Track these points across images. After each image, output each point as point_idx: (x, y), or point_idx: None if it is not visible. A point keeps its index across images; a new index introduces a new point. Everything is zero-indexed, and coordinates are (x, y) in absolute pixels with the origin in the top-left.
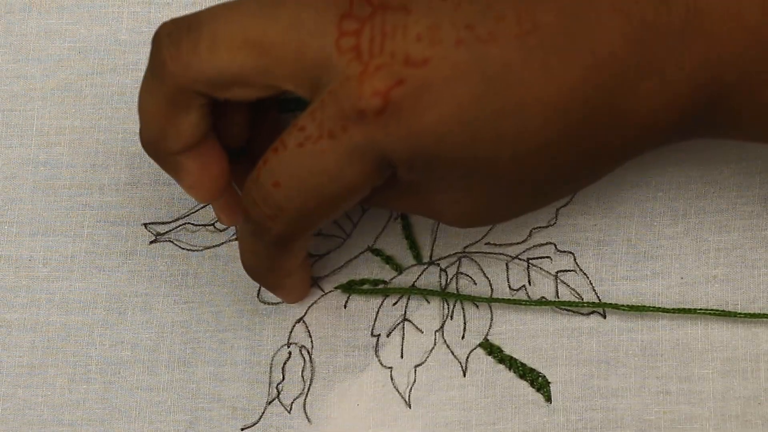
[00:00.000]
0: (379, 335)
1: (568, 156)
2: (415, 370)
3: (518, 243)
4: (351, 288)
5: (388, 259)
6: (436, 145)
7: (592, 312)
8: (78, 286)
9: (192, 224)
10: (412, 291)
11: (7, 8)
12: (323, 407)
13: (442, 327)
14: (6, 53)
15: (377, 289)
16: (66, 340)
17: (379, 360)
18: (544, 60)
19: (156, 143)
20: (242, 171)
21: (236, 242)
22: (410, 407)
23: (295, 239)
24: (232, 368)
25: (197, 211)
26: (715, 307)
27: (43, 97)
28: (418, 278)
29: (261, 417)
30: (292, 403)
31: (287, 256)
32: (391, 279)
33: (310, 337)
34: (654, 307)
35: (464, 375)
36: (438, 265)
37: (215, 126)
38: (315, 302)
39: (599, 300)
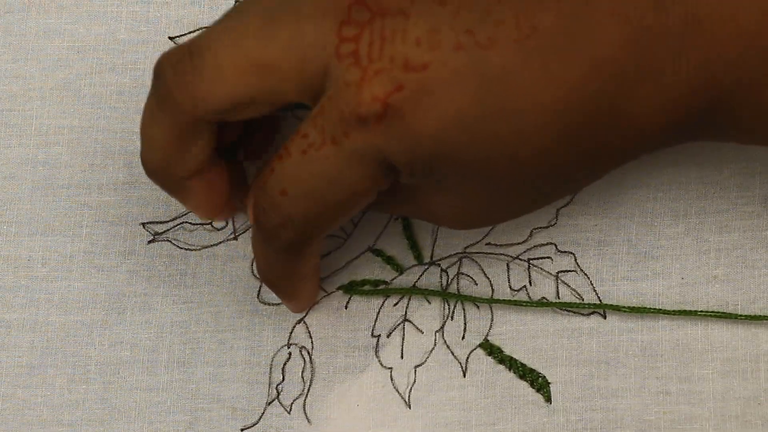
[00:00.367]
0: (380, 336)
1: (568, 158)
2: (415, 371)
3: (519, 243)
4: (352, 289)
5: (389, 260)
6: (436, 148)
7: (593, 312)
8: (77, 285)
9: (189, 223)
10: (413, 291)
11: (6, 8)
12: (323, 408)
13: (442, 327)
14: (5, 53)
15: (378, 289)
16: (65, 340)
17: (379, 360)
18: (544, 63)
19: (163, 171)
20: (233, 168)
21: (234, 242)
22: (410, 408)
23: (306, 245)
24: (231, 369)
25: None
26: (715, 308)
27: (41, 96)
28: (419, 279)
29: (261, 418)
30: (292, 403)
31: (301, 261)
32: (392, 279)
33: (311, 337)
34: (654, 308)
35: (464, 375)
36: (439, 265)
37: None
38: (316, 303)
39: (600, 300)
